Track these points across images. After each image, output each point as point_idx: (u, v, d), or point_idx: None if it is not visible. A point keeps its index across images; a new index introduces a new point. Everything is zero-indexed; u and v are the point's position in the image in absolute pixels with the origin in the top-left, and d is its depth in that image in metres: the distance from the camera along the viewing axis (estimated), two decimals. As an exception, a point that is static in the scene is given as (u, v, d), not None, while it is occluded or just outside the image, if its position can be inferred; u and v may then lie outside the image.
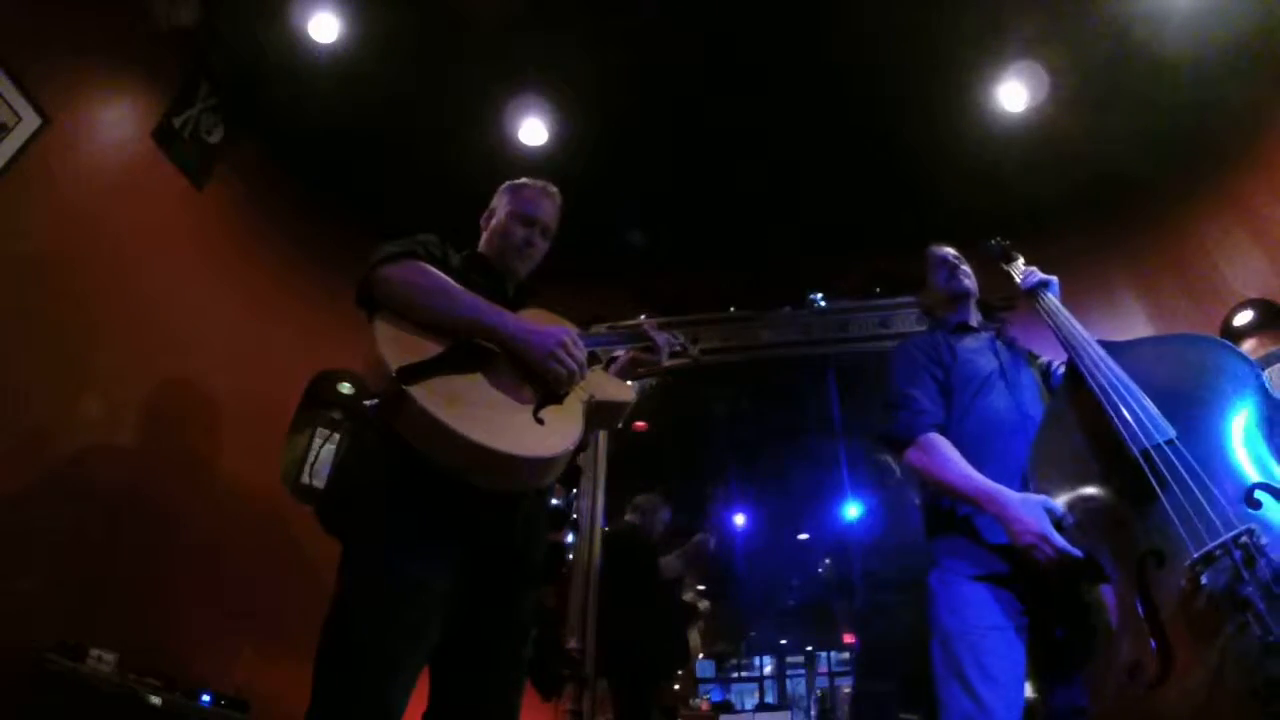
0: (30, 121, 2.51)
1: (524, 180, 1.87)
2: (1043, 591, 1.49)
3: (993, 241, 2.06)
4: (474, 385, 1.39)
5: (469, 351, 1.43)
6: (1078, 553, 1.39)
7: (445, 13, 3.03)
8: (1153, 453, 1.37)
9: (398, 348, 1.37)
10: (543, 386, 1.47)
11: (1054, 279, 1.86)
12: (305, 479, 3.45)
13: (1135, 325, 3.58)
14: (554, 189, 1.88)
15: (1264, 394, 1.43)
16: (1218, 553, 1.21)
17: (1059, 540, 1.40)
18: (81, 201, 2.71)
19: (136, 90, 2.99)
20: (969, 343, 1.91)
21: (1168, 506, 1.31)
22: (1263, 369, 2.87)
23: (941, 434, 1.68)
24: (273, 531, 3.19)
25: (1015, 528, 1.45)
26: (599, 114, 3.43)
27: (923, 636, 1.63)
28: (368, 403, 1.36)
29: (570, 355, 1.48)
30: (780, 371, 4.28)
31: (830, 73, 3.24)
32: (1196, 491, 1.30)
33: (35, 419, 2.47)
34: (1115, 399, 1.47)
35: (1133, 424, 1.41)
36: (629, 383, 1.80)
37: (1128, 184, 3.58)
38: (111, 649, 2.31)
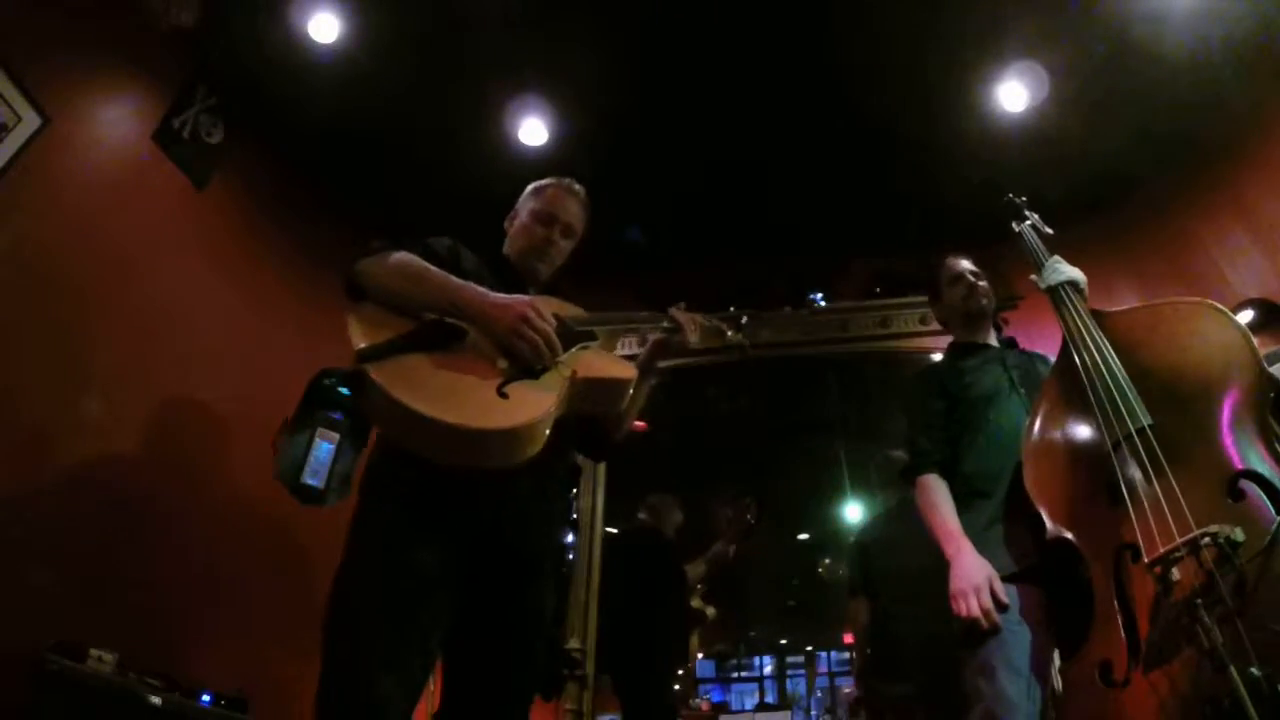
0: (30, 121, 2.50)
1: (548, 180, 1.81)
2: (1064, 587, 1.50)
3: (1008, 198, 2.06)
4: (438, 363, 1.35)
5: (436, 330, 1.39)
6: (985, 626, 1.48)
7: (445, 13, 3.03)
8: (1123, 443, 1.30)
9: (364, 331, 1.36)
10: (514, 360, 1.39)
11: (1081, 276, 1.82)
12: (305, 478, 3.45)
13: (1135, 325, 3.58)
14: (578, 187, 1.81)
15: (1260, 372, 1.29)
16: (1179, 553, 1.11)
17: (986, 600, 1.49)
18: (82, 201, 2.70)
19: (136, 90, 2.98)
20: (972, 362, 1.96)
21: (1129, 500, 1.24)
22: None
23: (943, 470, 1.80)
24: (273, 531, 3.19)
25: (955, 571, 1.56)
26: (599, 114, 3.43)
27: (941, 640, 1.66)
28: (326, 381, 1.36)
29: (533, 326, 1.39)
30: (780, 371, 4.27)
31: (830, 72, 3.24)
32: (1157, 484, 1.20)
33: (35, 419, 2.46)
34: (1096, 382, 1.39)
35: (1109, 411, 1.34)
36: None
37: (1128, 184, 3.57)
38: (111, 649, 2.31)
